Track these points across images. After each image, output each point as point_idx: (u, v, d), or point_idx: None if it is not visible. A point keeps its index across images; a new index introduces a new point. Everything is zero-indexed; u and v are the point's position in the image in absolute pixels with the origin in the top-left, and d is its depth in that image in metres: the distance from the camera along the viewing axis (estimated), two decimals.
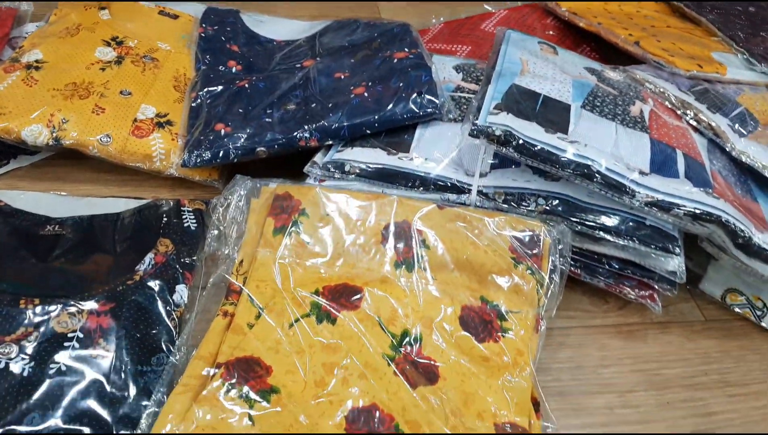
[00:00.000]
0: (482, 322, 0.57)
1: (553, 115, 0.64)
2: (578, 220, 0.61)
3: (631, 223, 0.61)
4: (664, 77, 0.78)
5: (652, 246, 0.60)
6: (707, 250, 0.63)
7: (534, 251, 0.60)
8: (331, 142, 0.69)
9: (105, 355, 0.51)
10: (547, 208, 0.62)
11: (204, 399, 0.49)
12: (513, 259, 0.60)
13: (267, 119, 0.70)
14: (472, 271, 0.60)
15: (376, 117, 0.67)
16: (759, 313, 0.66)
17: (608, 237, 0.61)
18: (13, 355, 0.50)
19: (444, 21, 0.99)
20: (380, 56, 0.76)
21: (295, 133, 0.67)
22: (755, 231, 0.59)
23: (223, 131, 0.69)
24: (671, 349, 0.63)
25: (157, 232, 0.62)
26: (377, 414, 0.50)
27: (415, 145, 0.67)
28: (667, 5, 1.00)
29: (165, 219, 0.64)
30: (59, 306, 0.53)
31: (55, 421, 0.47)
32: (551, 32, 0.93)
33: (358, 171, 0.65)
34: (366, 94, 0.70)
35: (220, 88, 0.75)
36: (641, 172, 0.60)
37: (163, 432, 0.47)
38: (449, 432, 0.50)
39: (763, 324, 0.66)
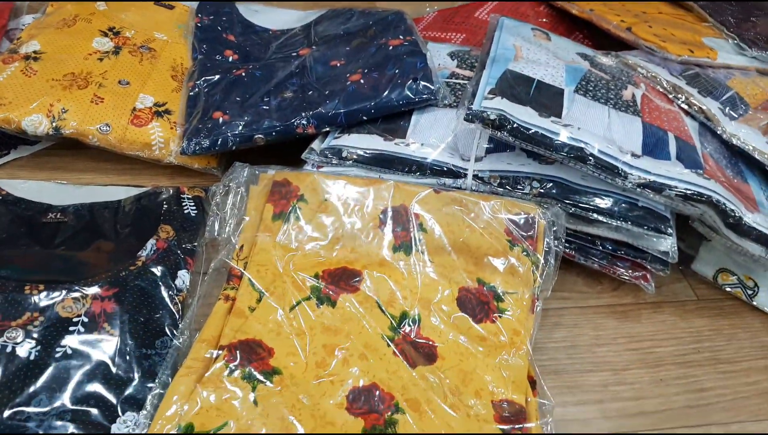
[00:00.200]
0: (479, 303, 0.58)
1: (546, 99, 0.65)
2: (572, 202, 0.62)
3: (624, 205, 0.62)
4: (655, 62, 0.79)
5: (645, 227, 0.61)
6: (699, 230, 0.64)
7: (529, 233, 0.61)
8: (328, 129, 0.70)
9: (110, 339, 0.52)
10: (542, 191, 0.63)
11: (208, 380, 0.50)
12: (509, 242, 0.61)
13: (264, 107, 0.71)
14: (468, 254, 0.61)
15: (373, 103, 0.68)
16: (750, 292, 0.67)
17: (602, 218, 0.62)
18: (19, 340, 0.51)
19: (438, 10, 0.99)
20: (375, 44, 0.77)
21: (293, 121, 0.68)
22: (745, 211, 0.61)
23: (221, 119, 0.70)
24: (664, 328, 0.64)
25: (157, 219, 0.63)
26: (377, 393, 0.51)
27: (412, 131, 0.68)
28: None
29: (165, 206, 0.65)
30: (63, 291, 0.54)
31: (62, 402, 0.48)
32: (544, 19, 0.94)
33: (355, 157, 0.66)
34: (362, 81, 0.71)
35: (217, 77, 0.76)
36: (633, 155, 0.62)
37: (168, 413, 0.48)
38: (448, 409, 0.51)
39: (754, 303, 0.67)
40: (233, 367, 0.51)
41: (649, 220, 0.61)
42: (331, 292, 0.57)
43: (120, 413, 0.49)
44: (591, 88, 0.69)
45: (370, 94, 0.69)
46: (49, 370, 0.50)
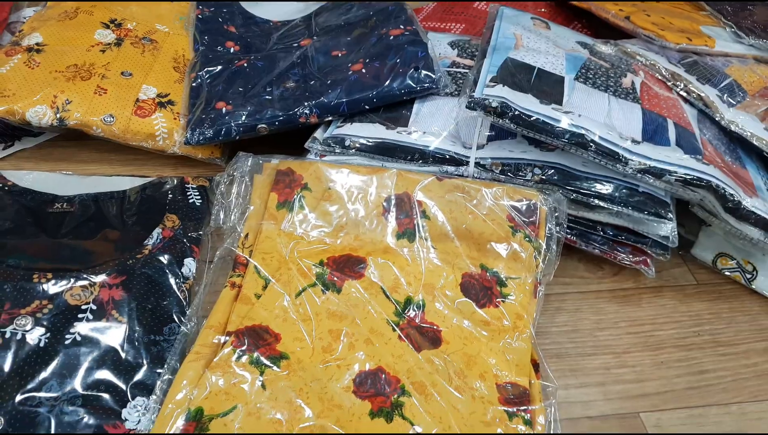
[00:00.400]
0: (482, 289, 0.59)
1: (547, 87, 0.65)
2: (573, 188, 0.63)
3: (624, 190, 0.62)
4: (654, 50, 0.80)
5: (645, 212, 0.62)
6: (698, 214, 0.65)
7: (531, 219, 0.62)
8: (330, 118, 0.70)
9: (118, 326, 0.53)
10: (543, 177, 0.64)
11: (216, 365, 0.51)
12: (511, 228, 0.62)
13: (267, 97, 0.71)
14: (471, 240, 0.61)
15: (375, 92, 0.69)
16: (749, 276, 0.68)
17: (603, 204, 0.62)
18: (28, 327, 0.52)
19: (437, 0, 1.00)
20: (376, 34, 0.78)
21: (296, 110, 0.69)
22: (744, 195, 0.61)
23: (224, 109, 0.70)
24: (665, 312, 0.65)
25: (163, 208, 0.64)
26: (383, 376, 0.52)
27: (414, 120, 0.69)
28: None
29: (170, 195, 0.65)
30: (72, 279, 0.55)
31: (73, 387, 0.49)
32: (543, 9, 0.94)
33: (358, 145, 0.67)
34: (364, 71, 0.72)
35: (219, 67, 0.76)
36: (634, 141, 0.62)
37: (178, 398, 0.49)
38: (453, 392, 0.52)
39: (753, 286, 0.68)
40: (241, 353, 0.52)
41: (649, 205, 0.62)
42: (336, 279, 0.58)
43: (130, 398, 0.50)
44: (591, 76, 0.70)
45: (371, 83, 0.70)
46: (59, 357, 0.50)
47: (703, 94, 0.73)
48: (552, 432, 0.51)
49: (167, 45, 0.81)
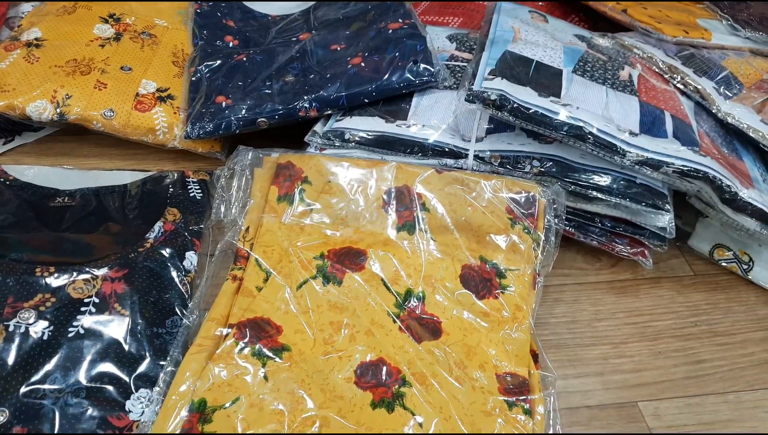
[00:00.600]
0: (482, 280, 0.59)
1: (545, 79, 0.66)
2: (572, 180, 0.64)
3: (622, 182, 0.63)
4: (651, 43, 0.80)
5: (643, 203, 0.62)
6: (696, 206, 0.66)
7: (530, 211, 0.63)
8: (330, 112, 0.70)
9: (121, 319, 0.53)
10: (542, 169, 0.64)
11: (219, 357, 0.51)
12: (510, 220, 0.62)
13: (266, 91, 0.71)
14: (471, 232, 0.62)
15: (374, 86, 0.69)
16: (745, 266, 0.68)
17: (601, 196, 0.63)
18: (31, 320, 0.52)
19: None
20: (375, 27, 0.78)
21: (295, 104, 0.69)
22: (741, 187, 0.62)
23: (224, 103, 0.70)
24: (662, 303, 0.66)
25: (164, 202, 0.64)
26: (384, 367, 0.53)
27: (413, 113, 0.69)
28: None
29: (171, 189, 0.66)
30: (74, 273, 0.55)
31: (77, 380, 0.49)
32: (541, 3, 0.94)
33: (357, 139, 0.67)
34: (363, 64, 0.72)
35: (218, 62, 0.76)
36: (631, 133, 0.63)
37: (181, 389, 0.49)
38: (454, 382, 0.52)
39: (749, 277, 0.68)
40: (243, 345, 0.52)
41: (647, 196, 0.63)
42: (336, 271, 0.58)
43: (134, 390, 0.50)
44: (589, 69, 0.70)
45: (371, 76, 0.70)
46: (63, 350, 0.51)
47: (699, 87, 0.73)
48: (551, 421, 0.51)
49: (166, 39, 0.82)
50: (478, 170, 0.66)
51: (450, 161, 0.66)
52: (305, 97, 0.69)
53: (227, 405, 0.48)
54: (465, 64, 0.75)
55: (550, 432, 0.51)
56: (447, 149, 0.66)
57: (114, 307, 0.54)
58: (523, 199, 0.63)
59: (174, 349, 0.53)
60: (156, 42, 0.80)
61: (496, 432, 0.50)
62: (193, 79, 0.75)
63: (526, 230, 0.62)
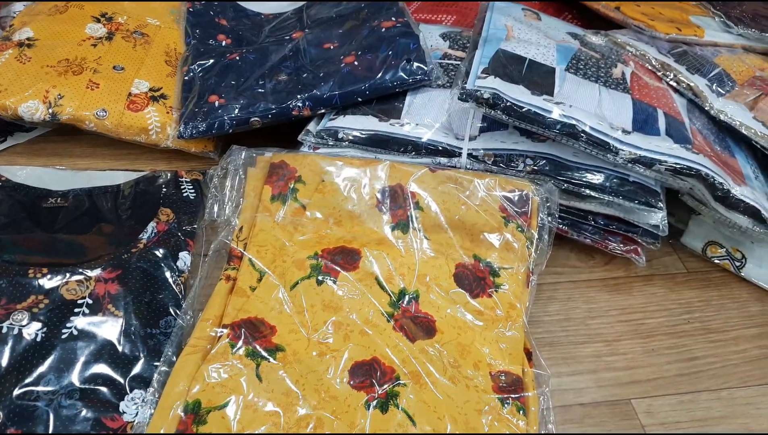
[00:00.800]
0: (476, 279, 0.59)
1: (538, 77, 0.66)
2: (565, 178, 0.64)
3: (615, 180, 0.63)
4: (644, 40, 0.80)
5: (636, 201, 0.63)
6: (688, 203, 0.66)
7: (523, 210, 0.63)
8: (323, 111, 0.70)
9: (115, 320, 0.53)
10: (535, 168, 0.64)
11: (213, 358, 0.51)
12: (503, 218, 0.62)
13: (260, 90, 0.71)
14: (464, 231, 0.62)
15: (367, 85, 0.69)
16: (738, 264, 0.69)
17: (594, 194, 0.63)
18: (24, 322, 0.52)
19: None
20: (368, 26, 0.78)
21: (289, 103, 0.69)
22: (733, 184, 0.62)
23: (217, 103, 0.70)
24: (655, 300, 0.66)
25: (157, 202, 0.64)
26: (378, 367, 0.53)
27: (406, 111, 0.69)
28: None
29: (164, 189, 0.66)
30: (67, 274, 0.55)
31: (71, 381, 0.49)
32: (533, 0, 0.95)
33: (351, 138, 0.67)
34: (356, 63, 0.72)
35: (211, 61, 0.76)
36: (624, 131, 0.63)
37: (176, 390, 0.49)
38: (448, 381, 0.52)
39: (742, 274, 0.69)
40: (237, 345, 0.52)
41: (639, 194, 0.63)
42: (330, 270, 0.58)
43: (128, 391, 0.50)
44: (582, 67, 0.70)
45: (364, 75, 0.70)
46: (56, 351, 0.51)
47: (692, 84, 0.74)
48: (545, 419, 0.52)
49: (159, 38, 0.81)
50: (472, 169, 0.66)
51: (443, 160, 0.66)
52: (298, 96, 0.69)
53: (222, 406, 0.48)
54: (458, 62, 0.75)
55: (544, 430, 0.51)
56: (440, 148, 0.66)
57: (107, 308, 0.54)
58: (516, 198, 0.63)
59: (168, 350, 0.52)
60: (148, 41, 0.80)
61: (489, 430, 0.50)
62: (186, 78, 0.75)
63: (519, 229, 0.62)
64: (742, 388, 0.59)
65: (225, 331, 0.53)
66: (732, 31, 0.86)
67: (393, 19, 0.78)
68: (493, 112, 0.62)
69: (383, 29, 0.76)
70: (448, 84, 0.72)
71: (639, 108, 0.67)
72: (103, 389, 0.49)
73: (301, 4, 0.89)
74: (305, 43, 0.78)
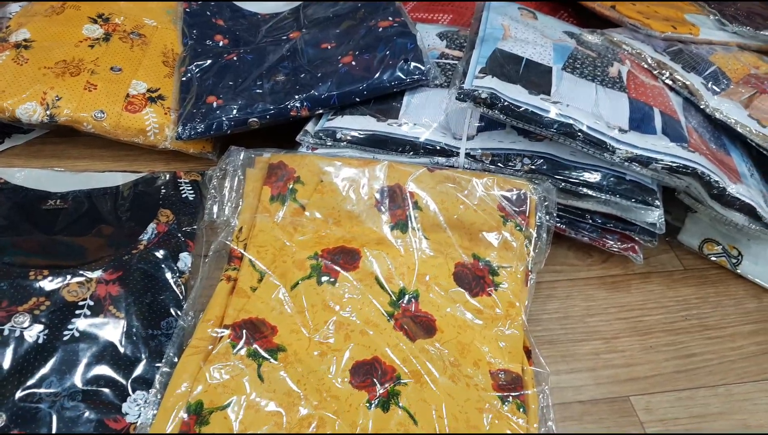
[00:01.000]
0: (475, 278, 0.60)
1: (535, 77, 0.66)
2: (562, 177, 0.64)
3: (612, 179, 0.64)
4: (640, 39, 0.81)
5: (633, 199, 0.63)
6: (685, 201, 0.66)
7: (521, 209, 0.63)
8: (321, 111, 0.70)
9: (116, 321, 0.53)
10: (533, 167, 0.65)
11: (215, 359, 0.51)
12: (502, 217, 0.62)
13: (257, 90, 0.71)
14: (463, 230, 0.62)
15: (365, 85, 0.69)
16: (734, 261, 0.69)
17: (591, 192, 0.63)
18: (26, 324, 0.52)
19: None
20: (365, 25, 0.78)
21: (287, 103, 0.69)
22: (729, 182, 0.63)
23: (215, 103, 0.70)
24: (653, 297, 0.67)
25: (156, 204, 0.64)
26: (379, 366, 0.53)
27: (404, 111, 0.69)
28: None
29: (163, 190, 0.66)
30: (68, 276, 0.55)
31: (73, 383, 0.49)
32: None
33: (349, 138, 0.67)
34: (354, 63, 0.72)
35: (208, 62, 0.76)
36: (621, 130, 0.63)
37: (178, 391, 0.49)
38: (448, 380, 0.53)
39: (738, 271, 0.69)
40: (239, 346, 0.52)
41: (636, 192, 0.63)
42: (330, 271, 0.59)
43: (130, 392, 0.50)
44: (578, 66, 0.71)
45: (362, 75, 0.70)
46: (58, 353, 0.51)
47: (688, 83, 0.74)
48: (544, 417, 0.52)
49: (156, 39, 0.81)
50: (470, 168, 0.66)
51: (441, 159, 0.67)
52: (296, 97, 0.69)
53: (224, 406, 0.49)
54: (455, 61, 0.75)
55: (544, 428, 0.51)
56: (438, 147, 0.67)
57: (109, 310, 0.54)
58: (514, 197, 0.63)
59: (170, 351, 0.53)
60: (146, 42, 0.80)
61: (490, 428, 0.50)
62: (184, 79, 0.75)
63: (518, 227, 0.62)
64: (739, 384, 0.59)
65: (226, 331, 0.53)
66: (727, 29, 0.86)
67: (390, 18, 0.78)
68: (490, 111, 0.63)
69: (380, 29, 0.76)
70: (446, 83, 0.72)
71: (635, 107, 0.67)
72: (106, 391, 0.50)
73: (297, 3, 0.89)
74: (303, 43, 0.78)
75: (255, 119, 0.69)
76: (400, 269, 0.60)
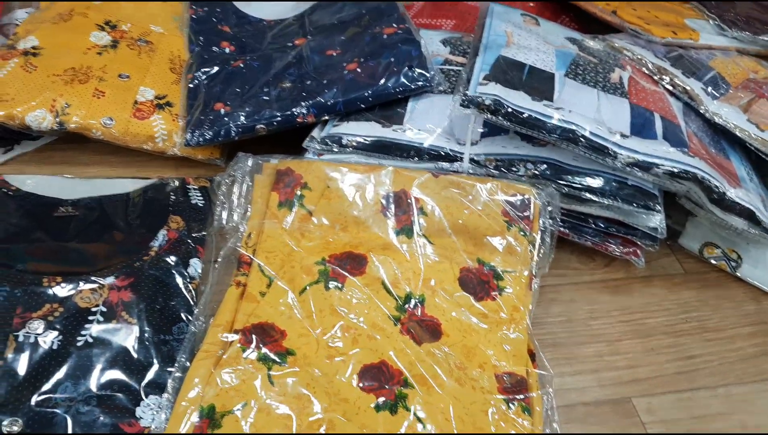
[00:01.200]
0: (480, 282, 0.61)
1: (538, 83, 0.67)
2: (565, 182, 0.65)
3: (614, 184, 0.65)
4: (641, 45, 0.82)
5: (635, 204, 0.64)
6: (685, 206, 0.67)
7: (525, 214, 0.64)
8: (327, 118, 0.71)
9: (129, 327, 0.54)
10: (536, 172, 0.66)
11: (225, 363, 0.52)
12: (506, 222, 0.64)
13: (264, 97, 0.72)
14: (468, 235, 0.63)
15: (370, 91, 0.70)
16: (733, 264, 0.70)
17: (593, 197, 0.64)
18: (40, 331, 0.53)
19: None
20: (370, 32, 0.79)
21: (293, 110, 0.70)
22: (728, 186, 0.64)
23: (222, 110, 0.71)
24: (654, 301, 0.68)
25: (166, 210, 0.65)
26: (386, 370, 0.54)
27: (408, 117, 0.70)
28: None
29: (173, 197, 0.67)
30: (80, 282, 0.56)
31: (88, 388, 0.50)
32: (531, 4, 0.96)
33: (354, 144, 0.68)
34: (359, 70, 0.73)
35: (215, 68, 0.77)
36: (622, 135, 0.64)
37: (190, 396, 0.50)
38: (454, 383, 0.54)
39: (738, 274, 0.70)
40: (249, 350, 0.53)
41: (638, 197, 0.64)
42: (338, 276, 0.60)
43: (143, 396, 0.51)
44: (580, 72, 0.72)
45: (367, 82, 0.71)
46: (72, 359, 0.52)
47: (688, 88, 0.75)
48: (549, 418, 0.53)
49: (163, 46, 0.82)
50: (474, 173, 0.67)
51: (446, 165, 0.68)
52: (303, 104, 0.70)
53: (235, 410, 0.50)
54: (459, 68, 0.76)
55: (549, 430, 0.52)
56: (443, 153, 0.68)
57: (121, 316, 0.55)
58: (518, 202, 0.64)
59: (181, 356, 0.53)
60: (153, 49, 0.81)
61: (496, 430, 0.51)
62: (191, 85, 0.76)
63: (521, 232, 0.63)
64: (739, 386, 0.60)
65: (236, 336, 0.54)
66: (726, 34, 0.87)
67: (394, 25, 0.79)
68: (494, 118, 0.64)
69: (385, 36, 0.77)
70: (450, 90, 0.73)
71: (637, 112, 0.68)
72: (120, 395, 0.51)
73: (302, 9, 0.90)
74: (308, 50, 0.79)
75: (262, 126, 0.70)
76: (406, 274, 0.61)
